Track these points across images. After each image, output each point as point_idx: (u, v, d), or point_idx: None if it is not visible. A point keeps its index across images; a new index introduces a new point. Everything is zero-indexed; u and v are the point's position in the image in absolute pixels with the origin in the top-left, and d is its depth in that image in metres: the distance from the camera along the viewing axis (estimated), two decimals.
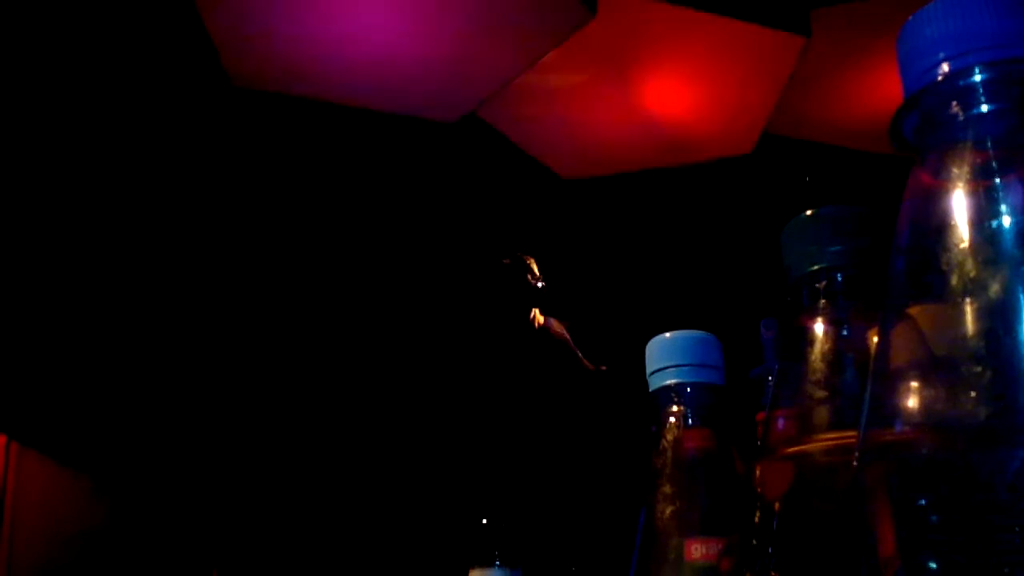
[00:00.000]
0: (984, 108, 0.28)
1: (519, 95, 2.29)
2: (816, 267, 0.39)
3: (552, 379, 2.26)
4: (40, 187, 2.34)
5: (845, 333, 0.38)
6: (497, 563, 0.91)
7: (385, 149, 2.62)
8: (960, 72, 0.28)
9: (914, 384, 0.27)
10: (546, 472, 2.15)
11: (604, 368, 2.26)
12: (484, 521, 1.05)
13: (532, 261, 2.32)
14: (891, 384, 0.28)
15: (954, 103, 0.29)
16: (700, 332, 0.49)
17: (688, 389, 0.48)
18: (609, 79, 2.21)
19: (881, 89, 2.16)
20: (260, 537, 2.62)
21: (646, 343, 0.50)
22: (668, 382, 0.48)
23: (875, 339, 0.30)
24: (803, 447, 0.37)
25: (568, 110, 2.39)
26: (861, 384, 0.32)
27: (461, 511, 1.86)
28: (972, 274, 0.26)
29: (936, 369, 0.27)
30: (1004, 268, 0.26)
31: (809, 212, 0.40)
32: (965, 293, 0.26)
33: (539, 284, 2.31)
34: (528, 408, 2.24)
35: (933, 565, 0.25)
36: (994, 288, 0.26)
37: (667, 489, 0.46)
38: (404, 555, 2.35)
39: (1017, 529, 0.24)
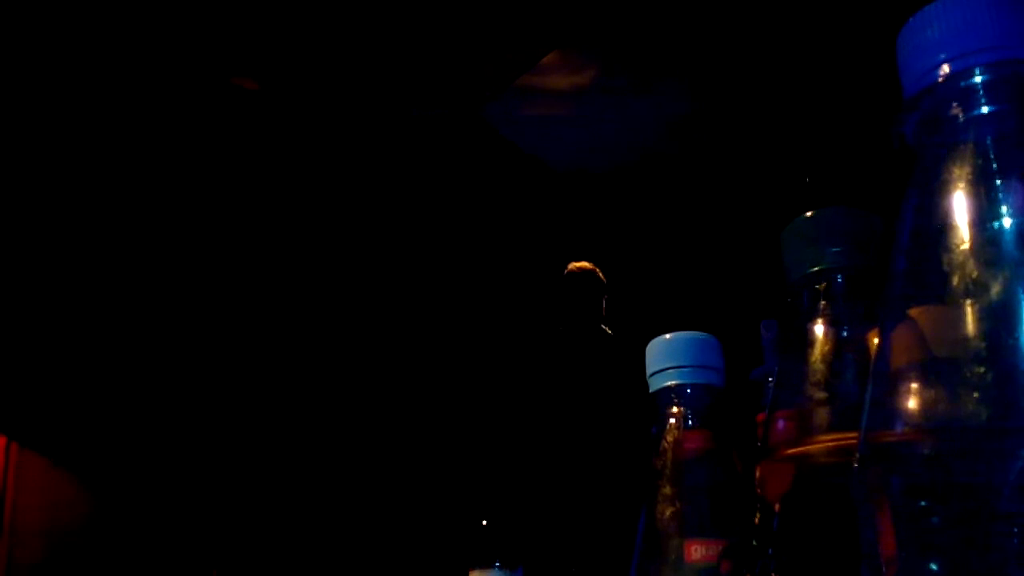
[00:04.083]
0: (984, 109, 0.28)
1: (521, 95, 2.29)
2: (816, 268, 0.39)
3: (555, 379, 2.26)
4: (40, 188, 2.34)
5: (845, 334, 0.38)
6: (497, 563, 0.91)
7: (385, 149, 2.61)
8: (960, 73, 0.28)
9: (915, 385, 0.27)
10: (546, 473, 2.15)
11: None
12: (484, 522, 1.05)
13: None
14: (891, 385, 0.28)
15: (954, 104, 0.29)
16: (700, 333, 0.49)
17: (688, 390, 0.48)
18: None
19: None
20: (260, 537, 2.62)
21: (646, 344, 0.50)
22: (668, 383, 0.48)
23: (875, 340, 0.30)
24: (803, 448, 0.37)
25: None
26: (861, 385, 0.32)
27: (461, 511, 1.86)
28: (973, 275, 0.26)
29: (937, 370, 0.27)
30: (1005, 269, 0.26)
31: (809, 212, 0.40)
32: (966, 294, 0.26)
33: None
34: (527, 409, 2.24)
35: (934, 566, 0.25)
36: (995, 289, 0.26)
37: (667, 490, 0.46)
38: (404, 555, 2.34)
39: (1018, 530, 0.24)
